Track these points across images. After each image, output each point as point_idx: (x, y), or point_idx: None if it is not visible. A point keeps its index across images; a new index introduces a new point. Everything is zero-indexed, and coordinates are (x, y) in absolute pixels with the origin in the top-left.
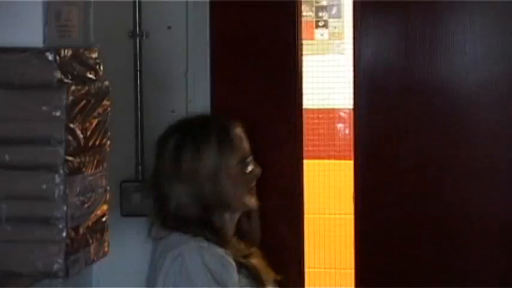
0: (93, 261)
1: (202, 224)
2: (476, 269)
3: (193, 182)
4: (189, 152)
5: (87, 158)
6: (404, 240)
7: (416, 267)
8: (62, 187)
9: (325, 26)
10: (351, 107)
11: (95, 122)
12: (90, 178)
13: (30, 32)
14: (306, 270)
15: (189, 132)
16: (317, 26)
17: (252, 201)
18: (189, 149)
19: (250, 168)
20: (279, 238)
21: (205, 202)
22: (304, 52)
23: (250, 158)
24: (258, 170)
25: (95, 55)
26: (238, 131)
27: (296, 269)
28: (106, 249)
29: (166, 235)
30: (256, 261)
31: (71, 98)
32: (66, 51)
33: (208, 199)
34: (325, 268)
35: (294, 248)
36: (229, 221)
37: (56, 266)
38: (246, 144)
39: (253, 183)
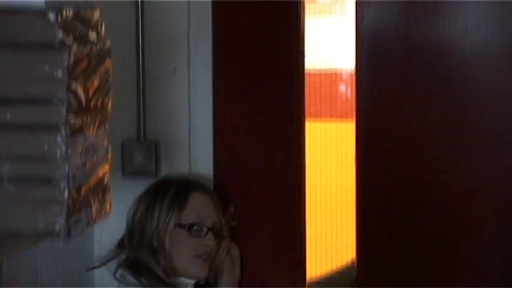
0: (95, 221)
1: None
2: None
3: (142, 235)
4: (143, 206)
5: (89, 119)
6: (407, 206)
7: (420, 236)
8: (63, 147)
9: None
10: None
11: (96, 82)
12: (91, 139)
13: None
14: (307, 233)
15: (152, 188)
16: None
17: (196, 270)
18: (143, 203)
19: (201, 236)
20: (279, 199)
21: (149, 259)
22: (306, 14)
23: (205, 227)
24: (211, 244)
25: (96, 15)
26: (200, 197)
27: (297, 233)
28: (108, 209)
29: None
30: None
31: (72, 58)
32: (67, 11)
33: (151, 256)
34: (326, 233)
35: (294, 212)
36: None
37: (58, 226)
38: (205, 213)
39: (203, 252)
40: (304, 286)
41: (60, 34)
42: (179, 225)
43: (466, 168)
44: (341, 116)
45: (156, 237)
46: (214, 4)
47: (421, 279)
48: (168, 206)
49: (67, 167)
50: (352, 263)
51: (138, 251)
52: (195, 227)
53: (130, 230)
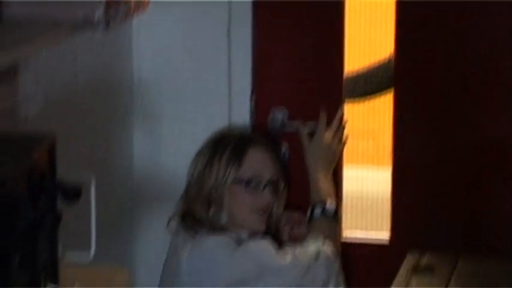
0: (134, 14)
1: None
2: None
3: (200, 190)
4: (202, 161)
5: None
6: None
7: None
8: None
9: None
10: None
11: None
12: None
13: None
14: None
15: (210, 143)
16: None
17: (254, 225)
18: (203, 158)
19: (258, 191)
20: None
21: (201, 214)
22: None
23: (262, 183)
24: (268, 199)
25: None
26: (258, 152)
27: (336, 27)
28: (146, 3)
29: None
30: None
31: None
32: None
33: (205, 211)
34: (365, 27)
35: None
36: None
37: (96, 16)
38: (263, 168)
39: (260, 207)
40: (342, 79)
41: None
42: (237, 180)
43: None
44: None
45: (214, 192)
46: None
47: (458, 94)
48: (226, 161)
49: None
50: (390, 58)
51: (193, 205)
52: (253, 183)
53: (188, 185)
